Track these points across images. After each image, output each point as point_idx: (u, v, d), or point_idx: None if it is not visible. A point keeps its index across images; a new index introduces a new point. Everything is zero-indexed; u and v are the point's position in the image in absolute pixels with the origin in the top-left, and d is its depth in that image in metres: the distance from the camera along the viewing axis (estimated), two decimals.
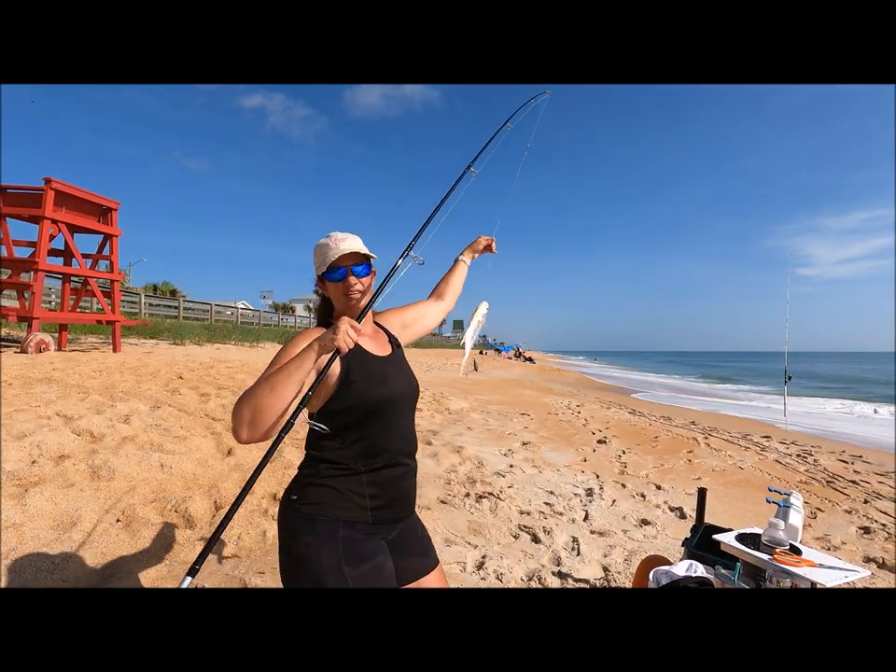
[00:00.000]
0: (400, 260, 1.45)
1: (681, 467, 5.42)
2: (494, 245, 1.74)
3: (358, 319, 1.28)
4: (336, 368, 1.21)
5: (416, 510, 1.42)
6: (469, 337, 1.74)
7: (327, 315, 1.40)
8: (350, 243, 1.29)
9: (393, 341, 1.42)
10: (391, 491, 1.25)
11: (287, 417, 1.10)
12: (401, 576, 1.28)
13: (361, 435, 1.22)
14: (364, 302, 1.32)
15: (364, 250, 1.29)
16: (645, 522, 3.64)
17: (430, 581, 1.35)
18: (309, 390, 1.11)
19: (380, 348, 1.35)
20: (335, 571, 1.11)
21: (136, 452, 3.42)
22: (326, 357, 1.17)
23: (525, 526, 3.38)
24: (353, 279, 1.28)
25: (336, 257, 1.25)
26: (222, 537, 2.70)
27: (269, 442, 1.12)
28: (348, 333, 1.10)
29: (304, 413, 1.08)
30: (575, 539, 3.20)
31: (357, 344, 1.25)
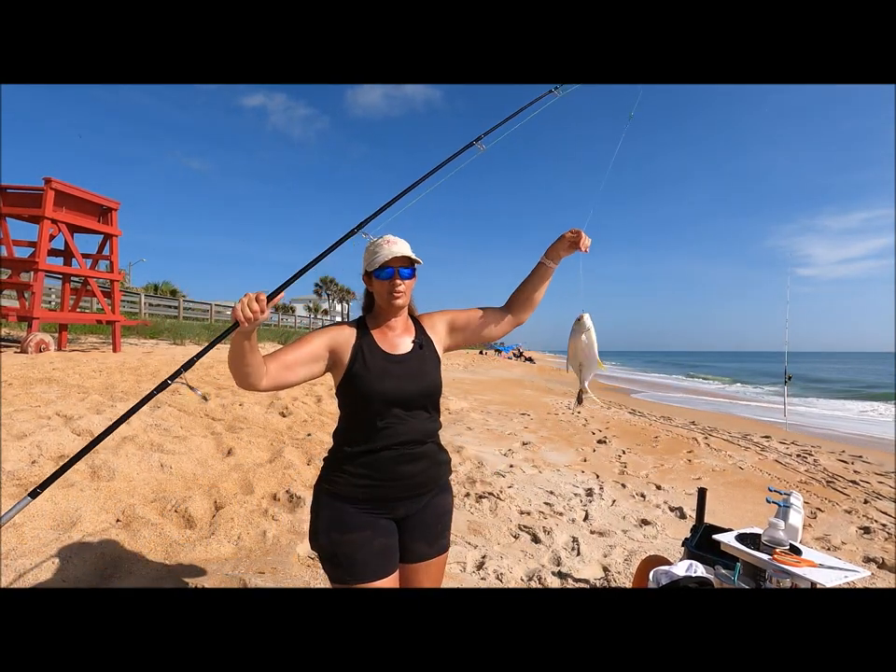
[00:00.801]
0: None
1: (681, 467, 5.42)
2: (585, 241, 1.44)
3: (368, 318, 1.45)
4: (346, 357, 1.35)
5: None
6: (582, 361, 1.50)
7: (368, 310, 1.50)
8: (401, 247, 1.39)
9: (419, 340, 1.46)
10: (383, 473, 1.34)
11: (256, 372, 1.24)
12: (405, 557, 1.41)
13: (358, 421, 1.36)
14: (405, 301, 1.42)
15: (412, 255, 1.39)
16: (645, 522, 3.64)
17: (423, 569, 1.44)
18: (199, 354, 1.26)
19: (397, 345, 1.42)
20: (325, 534, 1.32)
21: (136, 452, 3.42)
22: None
23: (525, 526, 3.38)
24: (398, 280, 1.38)
25: (388, 257, 1.35)
26: (222, 537, 2.71)
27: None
28: (247, 305, 1.13)
29: (183, 377, 1.24)
30: (575, 539, 3.20)
31: (371, 338, 1.39)
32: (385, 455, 1.34)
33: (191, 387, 1.19)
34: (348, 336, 1.39)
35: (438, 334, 1.52)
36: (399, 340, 1.44)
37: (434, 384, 1.43)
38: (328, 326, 1.41)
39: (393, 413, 1.34)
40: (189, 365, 1.14)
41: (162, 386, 1.10)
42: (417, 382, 1.39)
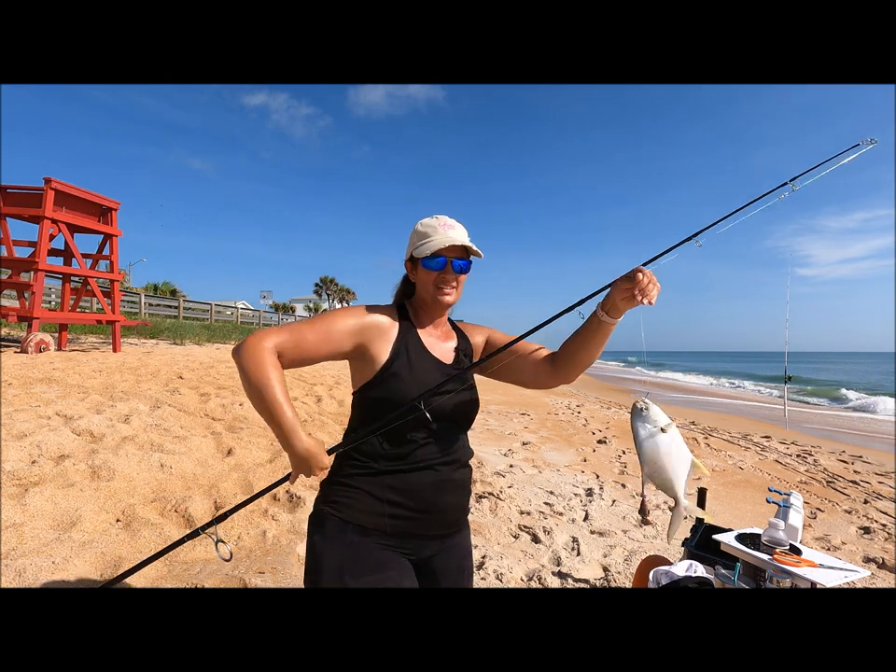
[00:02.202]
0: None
1: None
2: (647, 290, 1.00)
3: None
4: (382, 351, 1.12)
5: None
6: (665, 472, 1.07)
7: (406, 296, 1.27)
8: (459, 233, 1.17)
9: (463, 348, 1.25)
10: (417, 500, 1.10)
11: None
12: None
13: (390, 431, 1.10)
14: (454, 299, 1.19)
15: (471, 244, 1.16)
16: (645, 522, 3.64)
17: None
18: (234, 508, 1.13)
19: (442, 351, 1.21)
20: (334, 578, 1.03)
21: (136, 452, 3.42)
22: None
23: (524, 526, 3.38)
24: (451, 274, 1.16)
25: (444, 245, 1.12)
26: (222, 536, 2.71)
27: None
28: (313, 473, 1.03)
29: (214, 530, 1.09)
30: (575, 539, 3.20)
31: (417, 336, 1.17)
32: (424, 477, 1.10)
33: (220, 541, 1.06)
34: (387, 327, 1.14)
35: (478, 347, 1.30)
36: (443, 345, 1.22)
37: (478, 401, 1.22)
38: (358, 309, 1.15)
39: (433, 428, 1.11)
40: (221, 519, 1.09)
41: (193, 535, 1.09)
42: (465, 396, 1.17)
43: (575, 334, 1.16)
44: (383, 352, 1.11)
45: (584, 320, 1.14)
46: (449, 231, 1.16)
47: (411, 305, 1.23)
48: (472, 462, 4.88)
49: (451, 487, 1.14)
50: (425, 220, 1.20)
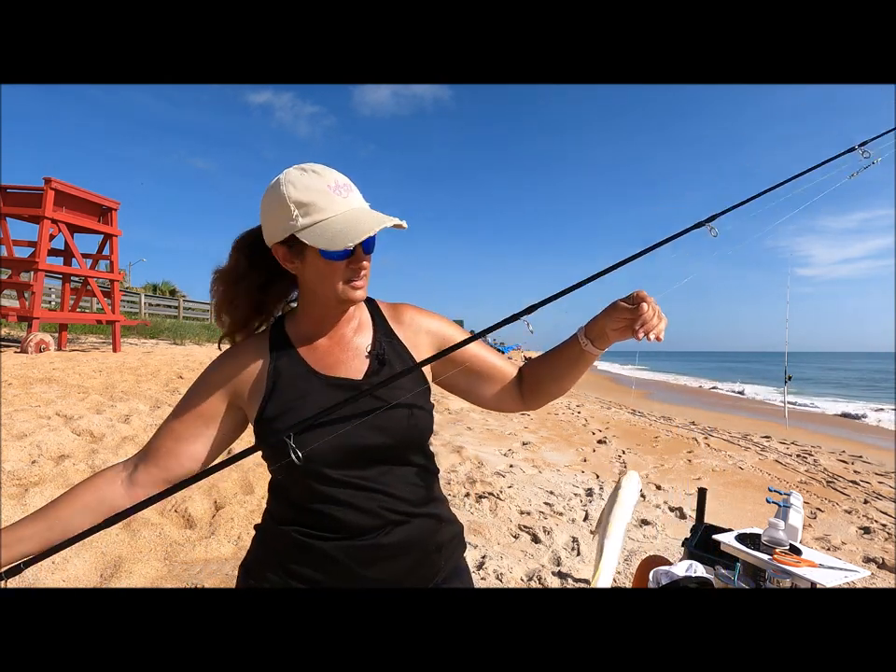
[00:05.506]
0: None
1: (681, 467, 5.42)
2: (652, 324, 0.75)
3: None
4: (256, 395, 0.83)
5: None
6: (614, 532, 0.93)
7: (275, 302, 0.90)
8: (358, 197, 0.81)
9: (380, 350, 0.86)
10: (328, 574, 0.81)
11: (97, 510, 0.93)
12: None
13: (290, 493, 0.83)
14: (365, 292, 0.84)
15: (394, 219, 0.78)
16: (645, 522, 3.64)
17: None
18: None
19: (340, 363, 0.85)
20: None
21: (136, 452, 3.42)
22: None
23: (524, 526, 3.39)
24: (364, 260, 0.80)
25: (363, 235, 0.74)
26: (222, 537, 2.71)
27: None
28: None
29: None
30: (575, 539, 3.20)
31: (294, 355, 0.85)
32: (333, 546, 0.80)
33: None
34: (252, 360, 0.84)
35: (420, 345, 0.91)
36: (344, 353, 0.86)
37: (416, 426, 0.84)
38: (220, 357, 0.86)
39: (345, 478, 0.79)
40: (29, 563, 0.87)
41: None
42: (387, 422, 0.81)
43: (547, 358, 0.89)
44: (256, 397, 0.83)
45: (560, 346, 0.87)
46: (351, 198, 0.79)
47: (291, 314, 0.90)
48: (472, 462, 4.80)
49: (382, 556, 0.81)
50: (293, 175, 0.79)
